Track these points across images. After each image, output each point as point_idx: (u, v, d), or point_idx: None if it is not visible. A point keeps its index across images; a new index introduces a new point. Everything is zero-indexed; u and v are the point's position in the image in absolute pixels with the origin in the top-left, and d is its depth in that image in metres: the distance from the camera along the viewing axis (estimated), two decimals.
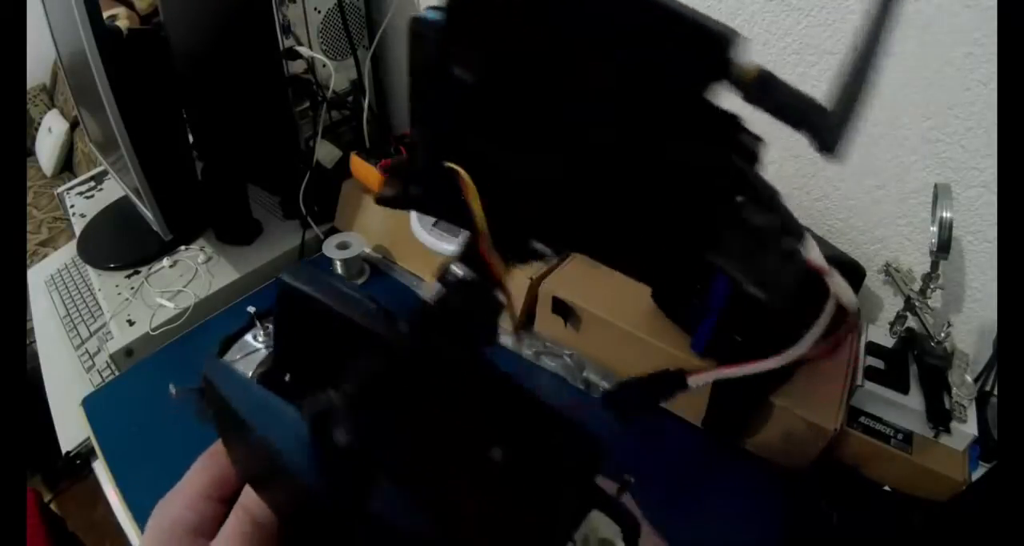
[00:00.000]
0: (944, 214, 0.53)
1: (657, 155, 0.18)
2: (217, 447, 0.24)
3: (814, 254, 0.18)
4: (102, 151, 0.98)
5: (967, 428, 0.54)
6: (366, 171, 0.85)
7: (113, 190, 1.10)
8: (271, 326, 0.23)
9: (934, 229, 0.54)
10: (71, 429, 0.71)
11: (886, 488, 0.56)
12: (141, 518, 0.57)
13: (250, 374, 0.23)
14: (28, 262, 1.24)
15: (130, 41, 0.72)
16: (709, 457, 0.61)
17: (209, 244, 0.92)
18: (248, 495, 0.22)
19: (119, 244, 0.95)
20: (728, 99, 0.18)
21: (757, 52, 0.65)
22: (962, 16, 0.52)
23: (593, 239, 0.22)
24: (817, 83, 0.63)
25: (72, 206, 1.10)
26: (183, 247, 0.91)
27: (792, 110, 0.17)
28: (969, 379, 0.56)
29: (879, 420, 0.57)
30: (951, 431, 0.54)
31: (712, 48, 0.17)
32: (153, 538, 0.22)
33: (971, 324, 0.64)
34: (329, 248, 0.81)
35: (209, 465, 0.24)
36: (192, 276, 0.86)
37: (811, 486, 0.57)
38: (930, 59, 0.56)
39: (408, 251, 0.83)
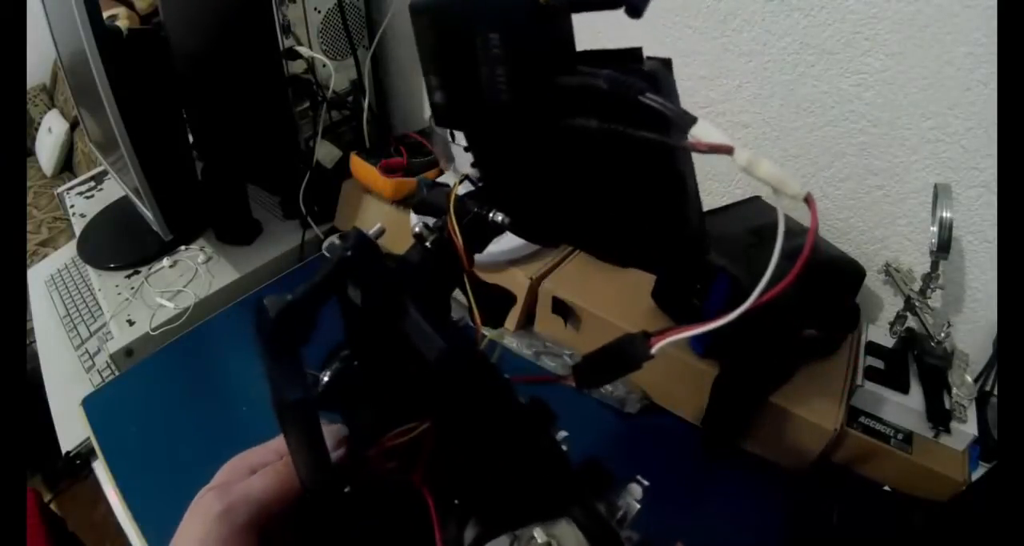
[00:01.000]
0: (944, 214, 0.53)
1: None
2: None
3: (711, 135, 0.18)
4: (102, 151, 0.98)
5: (967, 428, 0.54)
6: (366, 171, 0.85)
7: (113, 190, 1.10)
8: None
9: (934, 229, 0.54)
10: (71, 429, 0.71)
11: (886, 488, 0.56)
12: (141, 518, 0.57)
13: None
14: (28, 262, 1.24)
15: (130, 41, 0.72)
16: (709, 457, 0.61)
17: (209, 244, 0.92)
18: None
19: (119, 244, 0.95)
20: None
21: (757, 52, 0.65)
22: (962, 16, 0.52)
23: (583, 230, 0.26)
24: (817, 83, 0.63)
25: (72, 206, 1.10)
26: (183, 247, 0.91)
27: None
28: (969, 379, 0.56)
29: (879, 420, 0.57)
30: (951, 431, 0.54)
31: None
32: (226, 463, 0.28)
33: (971, 324, 0.64)
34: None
35: (333, 429, 0.28)
36: (192, 276, 0.86)
37: (811, 486, 0.56)
38: (930, 59, 0.56)
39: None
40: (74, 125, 2.02)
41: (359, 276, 0.23)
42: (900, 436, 0.56)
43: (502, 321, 0.30)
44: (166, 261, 0.89)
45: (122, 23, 0.73)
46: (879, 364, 0.60)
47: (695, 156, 0.20)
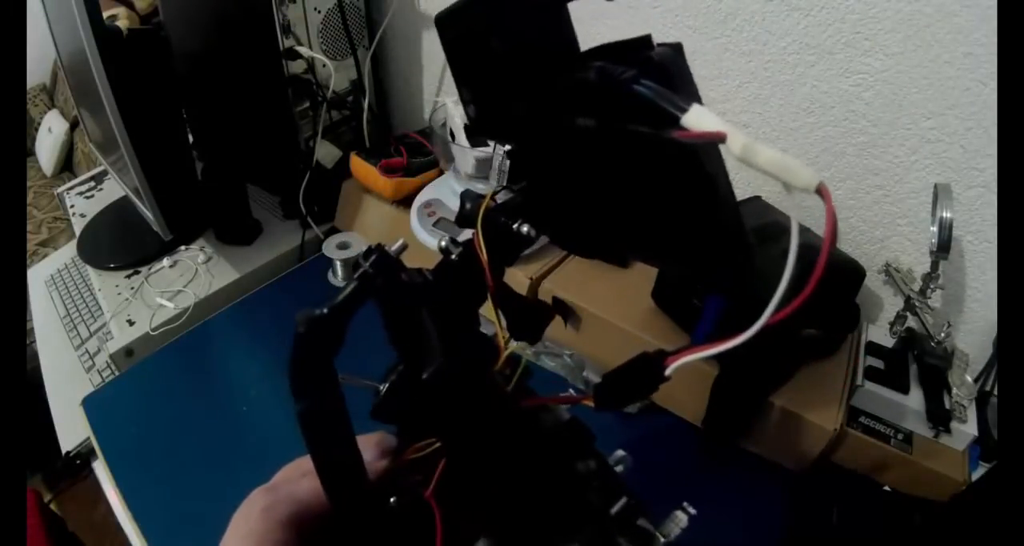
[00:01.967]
0: (944, 214, 0.53)
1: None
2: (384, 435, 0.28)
3: (704, 121, 0.16)
4: (102, 151, 0.98)
5: (967, 428, 0.54)
6: (366, 171, 0.85)
7: (113, 190, 1.10)
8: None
9: (934, 229, 0.54)
10: (71, 429, 0.71)
11: (886, 488, 0.56)
12: (141, 518, 0.57)
13: None
14: (28, 262, 1.24)
15: (130, 41, 0.72)
16: (709, 457, 0.61)
17: (209, 244, 0.92)
18: None
19: (119, 244, 0.95)
20: None
21: (757, 52, 0.65)
22: (962, 16, 0.52)
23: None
24: (817, 83, 0.63)
25: (72, 206, 1.10)
26: (183, 247, 0.91)
27: None
28: (969, 379, 0.57)
29: (879, 420, 0.57)
30: (951, 431, 0.54)
31: None
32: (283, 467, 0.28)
33: (971, 324, 0.64)
34: (329, 248, 0.81)
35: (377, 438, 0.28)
36: (192, 276, 0.86)
37: (811, 486, 0.57)
38: (930, 59, 0.56)
39: (408, 251, 0.83)
40: (74, 125, 2.02)
41: (380, 293, 0.23)
42: (900, 436, 0.56)
43: (538, 336, 0.29)
44: (166, 261, 0.89)
45: (122, 23, 0.73)
46: (879, 364, 0.60)
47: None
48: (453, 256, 0.27)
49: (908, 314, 0.60)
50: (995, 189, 0.57)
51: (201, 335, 0.78)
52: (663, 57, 0.19)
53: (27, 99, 2.24)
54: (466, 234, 0.27)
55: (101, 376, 0.78)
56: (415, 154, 0.86)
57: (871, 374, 0.58)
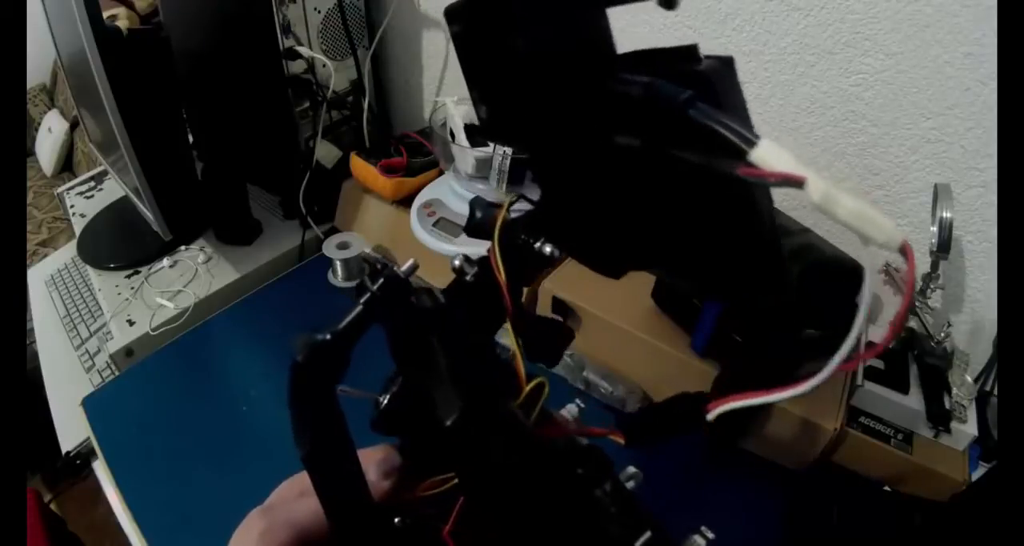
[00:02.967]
0: (944, 214, 0.53)
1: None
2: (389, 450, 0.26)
3: (779, 160, 0.14)
4: (102, 151, 0.98)
5: (967, 428, 0.54)
6: (366, 171, 0.85)
7: (113, 190, 1.10)
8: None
9: (934, 229, 0.54)
10: (71, 429, 0.71)
11: (886, 488, 0.56)
12: (141, 518, 0.57)
13: None
14: (28, 262, 1.24)
15: (130, 41, 0.72)
16: (709, 457, 0.61)
17: (209, 244, 0.92)
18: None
19: (119, 244, 0.95)
20: None
21: (757, 52, 0.65)
22: (962, 16, 0.52)
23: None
24: (817, 83, 0.63)
25: (72, 206, 1.10)
26: (183, 247, 0.91)
27: None
28: (969, 379, 0.57)
29: (879, 420, 0.57)
30: (951, 431, 0.54)
31: None
32: (280, 485, 0.26)
33: (971, 324, 0.64)
34: (329, 248, 0.81)
35: (380, 455, 0.27)
36: (192, 276, 0.86)
37: (811, 486, 0.56)
38: (930, 59, 0.56)
39: (408, 251, 0.83)
40: (74, 125, 2.02)
41: (386, 317, 0.21)
42: (900, 436, 0.56)
43: (558, 358, 0.28)
44: (166, 261, 0.89)
45: (122, 23, 0.73)
46: (879, 364, 0.60)
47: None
48: (468, 277, 0.24)
49: (908, 314, 0.60)
50: (995, 189, 0.57)
51: (201, 335, 0.78)
52: (713, 73, 0.17)
53: (27, 99, 2.24)
54: (475, 249, 0.25)
55: (101, 376, 0.78)
56: (415, 154, 0.86)
57: (871, 374, 0.58)
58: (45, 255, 1.13)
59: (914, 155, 0.61)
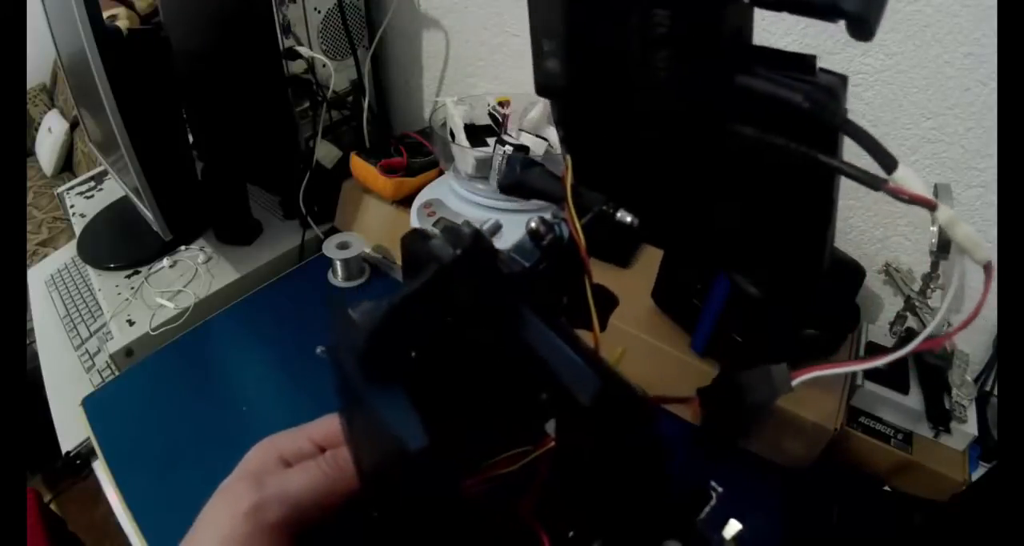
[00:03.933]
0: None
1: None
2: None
3: (915, 184, 0.16)
4: (102, 151, 0.98)
5: (967, 428, 0.54)
6: (366, 171, 0.85)
7: (113, 190, 1.10)
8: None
9: (934, 229, 0.53)
10: (71, 429, 0.71)
11: (886, 488, 0.56)
12: (141, 518, 0.57)
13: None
14: (28, 262, 1.24)
15: (130, 41, 0.72)
16: (709, 457, 0.61)
17: (209, 244, 0.92)
18: (343, 450, 0.24)
19: (119, 244, 0.95)
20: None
21: None
22: (962, 16, 0.52)
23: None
24: None
25: (72, 206, 1.10)
26: (183, 247, 0.91)
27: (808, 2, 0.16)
28: (969, 379, 0.56)
29: (879, 420, 0.57)
30: (951, 431, 0.54)
31: None
32: (254, 448, 0.25)
33: (971, 324, 0.64)
34: (329, 248, 0.81)
35: (329, 422, 0.25)
36: (192, 276, 0.86)
37: (811, 485, 0.56)
38: (930, 59, 0.56)
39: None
40: (74, 125, 2.02)
41: (470, 281, 0.19)
42: (900, 436, 0.56)
43: (605, 324, 0.27)
44: (166, 261, 0.89)
45: (122, 23, 0.73)
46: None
47: None
48: (544, 242, 0.22)
49: (908, 314, 0.60)
50: (995, 189, 0.57)
51: (201, 335, 0.78)
52: (835, 89, 0.18)
53: (27, 99, 2.24)
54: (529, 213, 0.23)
55: (101, 376, 0.78)
56: (415, 154, 0.86)
57: (871, 374, 0.58)
58: (45, 255, 1.13)
59: (914, 155, 0.61)
